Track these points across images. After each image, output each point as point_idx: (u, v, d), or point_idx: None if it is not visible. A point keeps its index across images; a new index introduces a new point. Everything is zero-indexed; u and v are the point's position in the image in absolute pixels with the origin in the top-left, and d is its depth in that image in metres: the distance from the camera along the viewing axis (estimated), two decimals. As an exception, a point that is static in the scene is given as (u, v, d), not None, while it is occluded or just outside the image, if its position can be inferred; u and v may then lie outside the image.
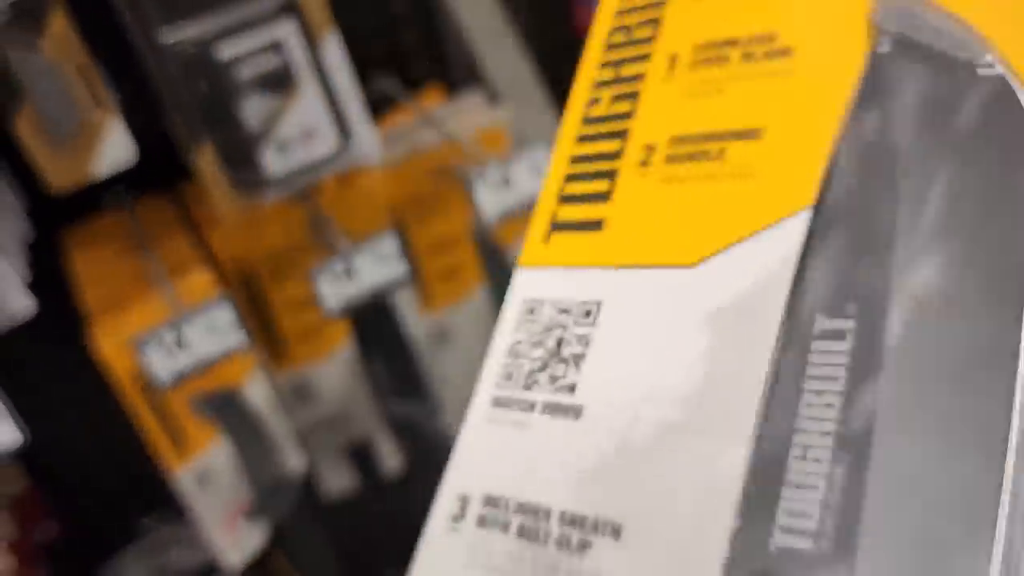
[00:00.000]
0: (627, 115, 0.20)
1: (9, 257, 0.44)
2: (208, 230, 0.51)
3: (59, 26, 0.43)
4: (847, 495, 0.12)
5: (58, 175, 0.45)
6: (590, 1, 0.21)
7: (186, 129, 0.45)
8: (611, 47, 0.21)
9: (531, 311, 0.20)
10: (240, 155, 0.44)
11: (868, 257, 0.14)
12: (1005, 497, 0.11)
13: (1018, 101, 0.13)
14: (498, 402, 0.19)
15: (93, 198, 0.54)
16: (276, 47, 0.41)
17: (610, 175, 0.19)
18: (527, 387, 0.19)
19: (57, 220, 0.54)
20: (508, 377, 0.19)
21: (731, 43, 0.18)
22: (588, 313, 0.18)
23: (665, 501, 0.15)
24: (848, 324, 0.13)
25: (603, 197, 0.19)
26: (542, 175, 0.52)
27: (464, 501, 0.18)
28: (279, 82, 0.42)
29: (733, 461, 0.14)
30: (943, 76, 0.14)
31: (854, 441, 0.12)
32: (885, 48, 0.15)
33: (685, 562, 0.14)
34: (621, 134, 0.19)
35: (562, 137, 0.20)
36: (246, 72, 0.42)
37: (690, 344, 0.16)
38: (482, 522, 0.18)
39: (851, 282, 0.14)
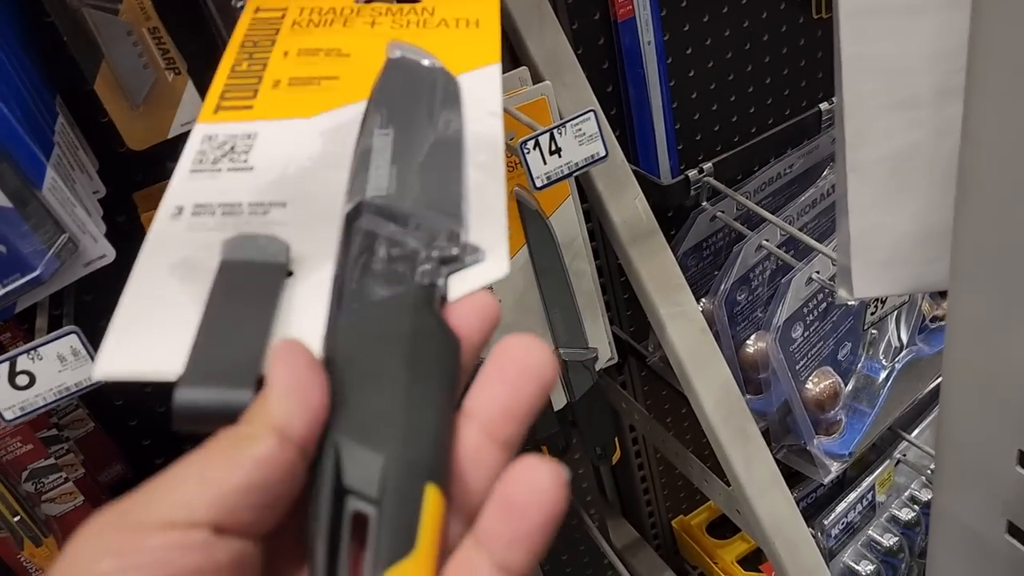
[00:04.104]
0: (260, 71, 0.34)
1: (87, 209, 0.47)
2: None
3: (135, -8, 0.46)
4: (398, 176, 0.28)
5: (135, 135, 0.48)
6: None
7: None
8: (244, 45, 0.35)
9: (210, 138, 0.31)
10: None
11: (387, 109, 0.31)
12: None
13: (450, 75, 0.32)
14: (194, 170, 0.30)
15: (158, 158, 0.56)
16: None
17: (254, 90, 0.33)
18: (214, 163, 0.30)
19: (126, 179, 0.56)
20: (199, 162, 0.30)
21: (317, 50, 0.35)
22: (249, 136, 0.31)
23: (310, 191, 0.29)
24: (389, 133, 0.30)
25: (251, 98, 0.33)
26: (586, 143, 0.54)
27: (180, 208, 0.28)
28: (346, 47, 0.45)
29: (343, 176, 0.29)
30: (410, 65, 0.33)
31: (398, 160, 0.29)
32: (395, 55, 0.33)
33: (325, 208, 0.28)
34: (258, 77, 0.34)
35: (217, 77, 0.34)
36: (315, 37, 0.45)
37: (314, 141, 0.31)
38: (196, 213, 0.28)
39: (388, 114, 0.30)
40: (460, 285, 0.25)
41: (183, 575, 0.20)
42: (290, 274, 0.26)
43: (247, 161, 0.30)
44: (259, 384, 0.23)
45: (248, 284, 0.25)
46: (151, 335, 0.25)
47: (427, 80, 0.32)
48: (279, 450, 0.21)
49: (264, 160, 0.30)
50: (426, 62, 0.33)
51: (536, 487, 0.21)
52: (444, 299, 0.25)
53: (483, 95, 0.32)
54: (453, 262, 0.26)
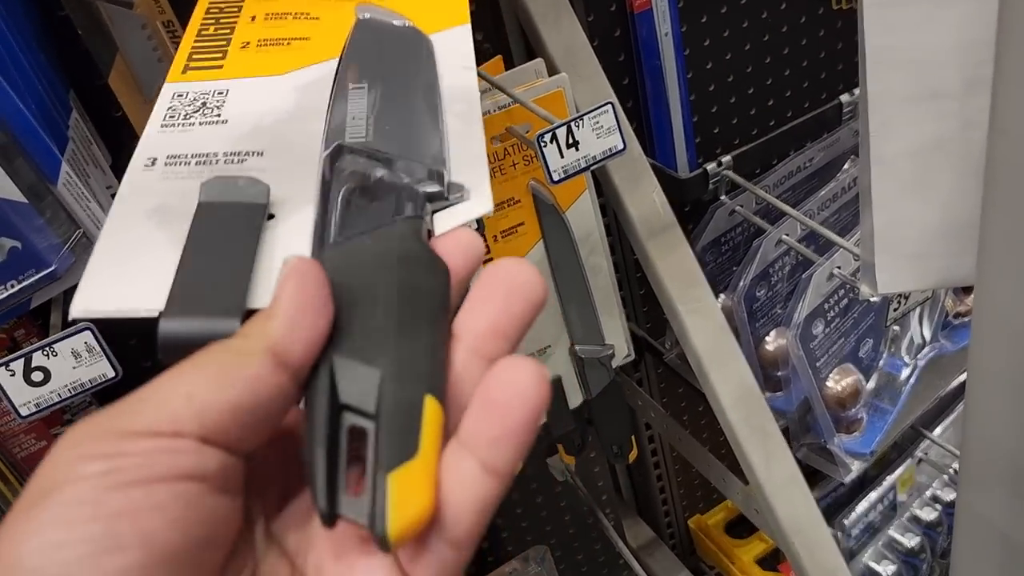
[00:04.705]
0: (228, 34, 0.34)
1: (101, 204, 0.47)
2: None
3: (149, -14, 0.46)
4: (376, 125, 0.28)
5: (148, 128, 0.48)
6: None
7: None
8: (209, 11, 0.35)
9: (179, 95, 0.30)
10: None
11: (360, 64, 0.30)
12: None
13: (421, 32, 0.32)
14: (165, 125, 0.29)
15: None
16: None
17: (222, 51, 0.33)
18: (186, 118, 0.29)
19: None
20: (170, 119, 0.29)
21: (285, 14, 0.35)
22: (221, 92, 0.31)
23: (287, 140, 0.28)
24: (364, 86, 0.29)
25: (220, 58, 0.32)
26: (604, 137, 0.53)
27: (152, 159, 0.28)
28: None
29: (319, 126, 0.28)
30: (381, 24, 0.33)
31: (375, 110, 0.28)
32: (364, 16, 0.32)
33: (303, 156, 0.27)
34: (226, 39, 0.33)
35: (184, 41, 0.33)
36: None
37: (288, 95, 0.30)
38: (168, 163, 0.27)
39: (362, 68, 0.30)
40: (445, 221, 0.25)
41: (173, 478, 0.19)
42: (271, 217, 0.25)
43: (220, 115, 0.29)
44: (245, 317, 0.22)
45: (228, 223, 0.25)
46: (129, 275, 0.24)
47: (398, 37, 0.31)
48: (272, 372, 0.21)
49: (238, 114, 0.30)
50: (396, 22, 0.32)
51: (517, 385, 0.21)
52: (430, 234, 0.25)
53: (456, 51, 0.32)
54: (438, 199, 0.26)
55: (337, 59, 0.31)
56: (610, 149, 0.52)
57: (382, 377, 0.21)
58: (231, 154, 0.28)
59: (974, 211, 0.39)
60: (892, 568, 0.84)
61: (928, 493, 0.87)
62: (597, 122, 0.51)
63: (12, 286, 0.42)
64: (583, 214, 0.64)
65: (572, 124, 0.50)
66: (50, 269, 0.42)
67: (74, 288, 0.45)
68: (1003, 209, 0.37)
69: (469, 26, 0.34)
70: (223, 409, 0.20)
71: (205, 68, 0.32)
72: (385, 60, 0.30)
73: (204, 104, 0.30)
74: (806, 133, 0.82)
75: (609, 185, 0.64)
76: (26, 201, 0.40)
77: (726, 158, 0.76)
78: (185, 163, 0.27)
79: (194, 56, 0.32)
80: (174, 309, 0.22)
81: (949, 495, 0.86)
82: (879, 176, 0.44)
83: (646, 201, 0.64)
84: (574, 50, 0.61)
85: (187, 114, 0.29)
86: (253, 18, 0.35)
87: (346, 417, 0.21)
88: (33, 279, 0.42)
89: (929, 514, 0.86)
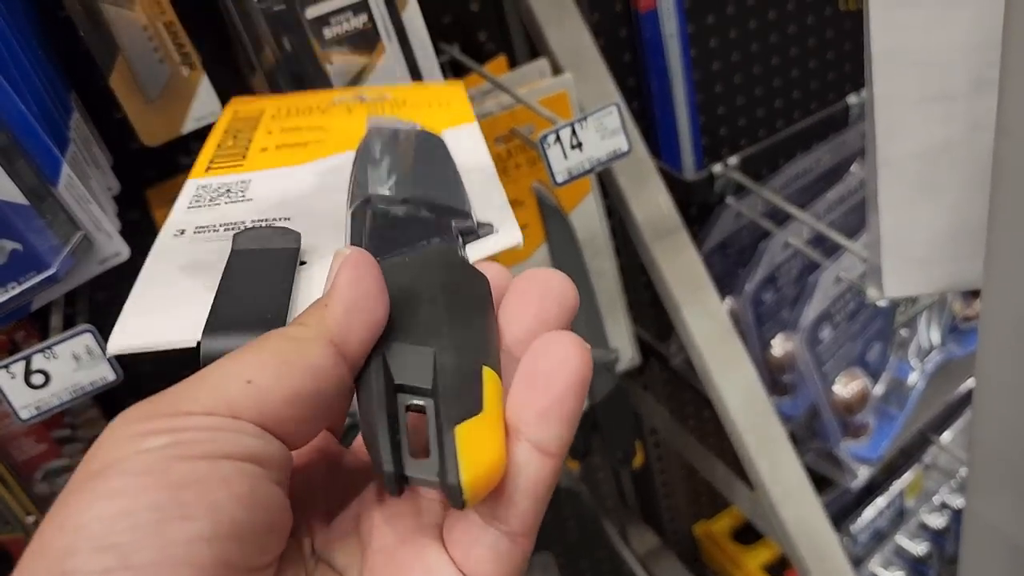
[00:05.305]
0: (246, 144, 0.36)
1: (102, 206, 0.46)
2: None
3: (150, -13, 0.45)
4: (398, 185, 0.28)
5: (149, 130, 0.48)
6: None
7: (270, 87, 0.47)
8: (227, 131, 0.38)
9: (204, 187, 0.32)
10: (322, 112, 0.46)
11: (377, 149, 0.31)
12: None
13: (431, 131, 0.33)
14: (191, 207, 0.31)
15: (169, 154, 0.56)
16: (361, 7, 0.43)
17: (242, 155, 0.35)
18: (212, 200, 0.31)
19: (139, 175, 0.56)
20: (196, 201, 0.31)
21: (299, 127, 0.37)
22: (244, 182, 0.32)
23: (312, 207, 0.30)
24: (383, 162, 0.30)
25: (240, 159, 0.35)
26: (608, 138, 0.53)
27: (181, 231, 0.29)
28: (363, 42, 0.44)
29: (342, 197, 0.29)
30: (391, 124, 0.33)
31: (396, 175, 0.29)
32: (375, 123, 0.33)
33: (329, 220, 0.29)
34: (245, 147, 0.36)
35: (203, 154, 0.36)
36: (331, 31, 0.44)
37: (308, 178, 0.32)
38: (197, 232, 0.29)
39: (379, 152, 0.31)
40: (477, 250, 0.26)
41: (237, 456, 0.19)
42: (303, 263, 0.26)
43: (244, 195, 0.31)
44: None
45: (262, 266, 0.25)
46: (164, 312, 0.25)
47: (410, 132, 0.33)
48: (331, 361, 0.20)
49: (262, 194, 0.31)
50: (406, 125, 0.34)
51: (560, 354, 0.20)
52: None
53: (466, 141, 0.34)
54: (469, 234, 0.27)
55: (352, 152, 0.32)
56: (615, 151, 0.51)
57: (436, 354, 0.21)
58: (258, 220, 0.29)
59: (982, 214, 0.38)
60: (900, 575, 0.83)
61: (936, 499, 0.86)
62: (602, 123, 0.51)
63: (12, 288, 0.42)
64: (587, 216, 0.63)
65: (576, 125, 0.49)
66: (51, 272, 0.41)
67: (74, 290, 0.45)
68: (1010, 212, 0.37)
69: (476, 124, 0.36)
70: (283, 397, 0.20)
71: (226, 167, 0.34)
72: (400, 143, 0.31)
73: (228, 190, 0.32)
74: (813, 134, 0.81)
75: (614, 187, 0.63)
76: (27, 203, 0.40)
77: (732, 160, 0.75)
78: (214, 230, 0.29)
79: (215, 162, 0.34)
80: (215, 328, 0.22)
81: (957, 501, 0.85)
82: (886, 178, 0.43)
83: (651, 203, 0.64)
84: (579, 50, 0.61)
85: (212, 198, 0.31)
86: (270, 132, 0.37)
87: (402, 398, 0.21)
88: (34, 281, 0.42)
89: (937, 520, 0.85)
